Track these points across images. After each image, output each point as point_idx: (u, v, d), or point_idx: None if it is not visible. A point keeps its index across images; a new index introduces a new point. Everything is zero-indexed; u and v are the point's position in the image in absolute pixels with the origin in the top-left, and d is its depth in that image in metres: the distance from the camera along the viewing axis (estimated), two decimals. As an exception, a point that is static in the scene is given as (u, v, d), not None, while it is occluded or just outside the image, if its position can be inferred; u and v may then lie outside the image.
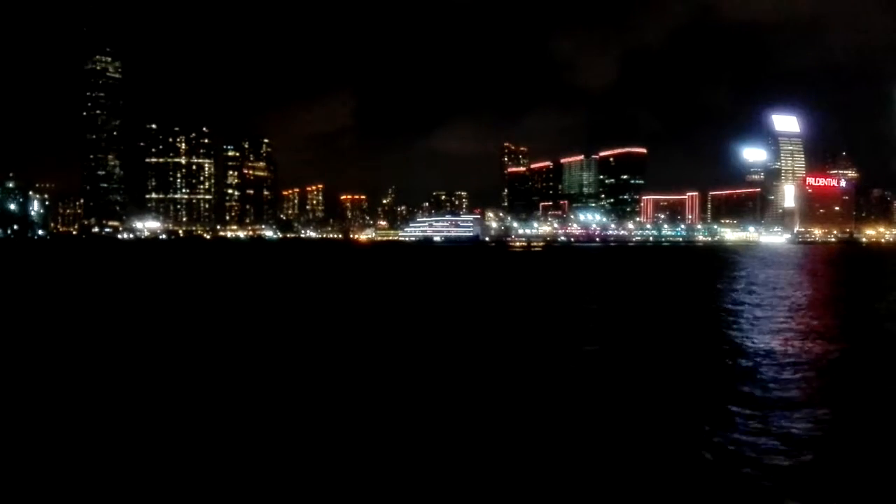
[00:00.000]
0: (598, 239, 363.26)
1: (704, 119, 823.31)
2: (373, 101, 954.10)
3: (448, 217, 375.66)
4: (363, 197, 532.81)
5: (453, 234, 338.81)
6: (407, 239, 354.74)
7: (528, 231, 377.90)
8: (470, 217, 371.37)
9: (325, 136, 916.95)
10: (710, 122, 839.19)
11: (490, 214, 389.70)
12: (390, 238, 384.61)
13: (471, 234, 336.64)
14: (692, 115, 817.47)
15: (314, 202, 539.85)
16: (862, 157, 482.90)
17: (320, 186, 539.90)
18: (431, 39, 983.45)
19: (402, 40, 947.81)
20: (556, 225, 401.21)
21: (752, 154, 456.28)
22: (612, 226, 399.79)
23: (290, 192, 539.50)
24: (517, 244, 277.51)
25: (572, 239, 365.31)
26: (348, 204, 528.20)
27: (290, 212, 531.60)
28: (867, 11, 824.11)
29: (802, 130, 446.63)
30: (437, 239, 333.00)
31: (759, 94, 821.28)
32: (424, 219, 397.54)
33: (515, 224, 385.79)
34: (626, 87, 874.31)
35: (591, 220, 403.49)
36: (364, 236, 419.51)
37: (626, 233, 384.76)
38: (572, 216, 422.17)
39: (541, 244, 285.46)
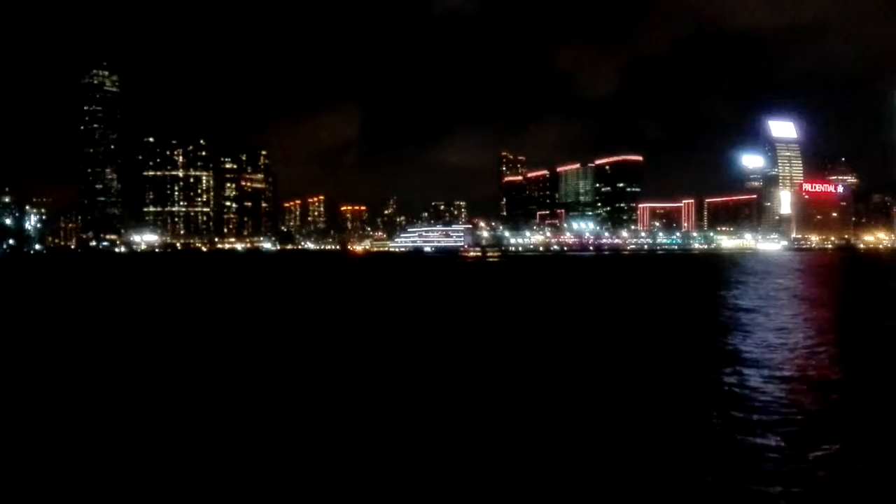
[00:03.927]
0: (591, 248, 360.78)
1: (705, 127, 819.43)
2: (377, 114, 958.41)
3: (439, 227, 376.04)
4: (363, 208, 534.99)
5: (444, 244, 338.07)
6: (397, 249, 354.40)
7: (520, 240, 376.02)
8: (461, 227, 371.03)
9: (330, 148, 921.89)
10: (711, 130, 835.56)
11: (482, 224, 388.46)
12: (383, 249, 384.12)
13: (461, 243, 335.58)
14: (693, 124, 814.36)
15: (315, 213, 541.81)
16: (862, 162, 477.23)
17: (321, 198, 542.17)
18: (434, 51, 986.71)
19: (406, 53, 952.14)
20: (548, 234, 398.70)
21: (751, 161, 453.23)
22: (606, 234, 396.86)
23: (292, 203, 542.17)
24: (470, 254, 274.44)
25: (565, 248, 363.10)
26: (349, 215, 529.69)
27: (291, 223, 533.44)
28: (866, 18, 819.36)
29: (800, 136, 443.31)
30: (427, 249, 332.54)
31: (760, 102, 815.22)
32: (415, 229, 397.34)
33: (507, 233, 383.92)
34: (628, 97, 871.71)
35: (584, 229, 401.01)
36: (360, 247, 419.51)
37: (620, 241, 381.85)
38: (566, 225, 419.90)
39: (497, 254, 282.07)
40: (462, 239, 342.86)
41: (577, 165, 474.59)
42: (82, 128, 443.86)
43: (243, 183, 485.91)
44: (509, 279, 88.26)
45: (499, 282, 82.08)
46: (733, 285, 67.27)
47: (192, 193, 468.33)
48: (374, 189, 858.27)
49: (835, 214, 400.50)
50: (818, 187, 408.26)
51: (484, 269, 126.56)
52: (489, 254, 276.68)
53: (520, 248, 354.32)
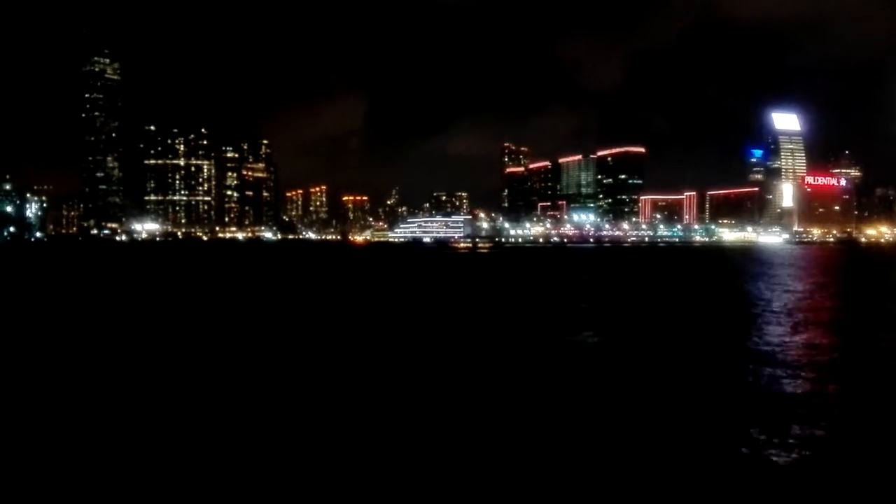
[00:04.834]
0: (591, 240, 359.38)
1: (709, 119, 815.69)
2: (381, 104, 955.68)
3: (439, 218, 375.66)
4: (365, 198, 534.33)
5: (443, 234, 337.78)
6: (397, 240, 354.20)
7: (520, 232, 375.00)
8: (461, 218, 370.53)
9: (333, 137, 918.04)
10: (714, 123, 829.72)
11: (482, 215, 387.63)
12: (383, 239, 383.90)
13: (461, 234, 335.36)
14: (697, 116, 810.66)
15: (317, 203, 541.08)
16: (866, 155, 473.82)
17: (324, 187, 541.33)
18: (439, 42, 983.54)
19: (411, 43, 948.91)
20: (549, 225, 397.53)
21: (754, 154, 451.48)
22: (607, 226, 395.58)
23: (294, 193, 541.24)
24: (461, 245, 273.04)
25: (565, 240, 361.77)
26: (350, 205, 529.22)
27: (293, 213, 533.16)
28: (870, 11, 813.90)
29: (803, 129, 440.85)
30: (426, 240, 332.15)
31: (765, 93, 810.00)
32: (415, 220, 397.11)
33: (507, 224, 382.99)
34: (633, 88, 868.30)
35: (585, 221, 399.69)
36: (360, 237, 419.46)
37: (620, 233, 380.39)
38: (567, 216, 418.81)
39: (488, 245, 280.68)
40: (462, 230, 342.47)
41: (580, 157, 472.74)
42: (83, 115, 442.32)
43: (244, 172, 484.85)
44: (484, 271, 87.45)
45: (469, 274, 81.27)
46: (727, 278, 66.69)
47: (193, 182, 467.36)
48: (376, 179, 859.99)
49: (837, 208, 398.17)
50: (820, 180, 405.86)
51: (465, 260, 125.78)
52: (480, 245, 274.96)
53: (519, 240, 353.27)
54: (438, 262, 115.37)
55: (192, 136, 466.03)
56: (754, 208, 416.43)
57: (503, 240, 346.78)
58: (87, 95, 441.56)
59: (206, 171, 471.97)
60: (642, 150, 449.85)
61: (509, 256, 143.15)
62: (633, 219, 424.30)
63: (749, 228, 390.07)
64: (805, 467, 12.10)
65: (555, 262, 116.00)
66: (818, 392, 17.81)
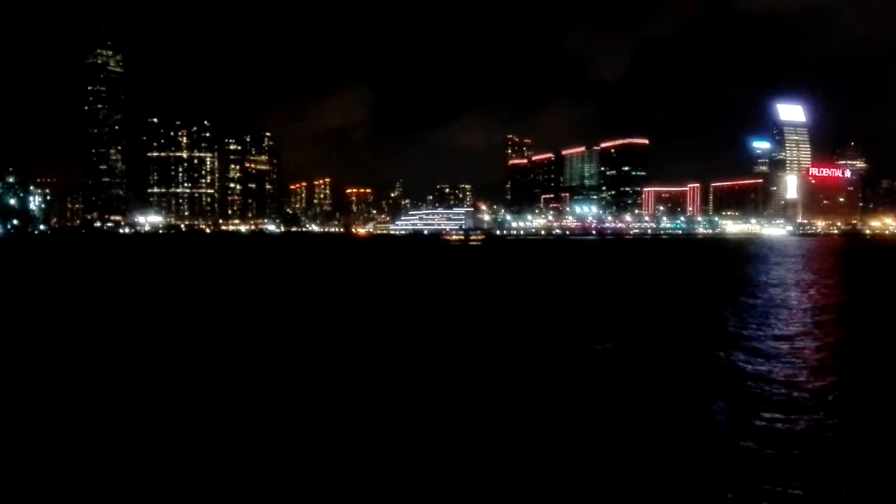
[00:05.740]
0: (594, 232, 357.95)
1: (715, 111, 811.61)
2: (387, 96, 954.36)
3: (440, 210, 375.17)
4: (369, 191, 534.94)
5: (443, 226, 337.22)
6: (398, 232, 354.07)
7: (522, 224, 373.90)
8: (462, 210, 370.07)
9: (337, 130, 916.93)
10: (720, 114, 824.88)
11: (483, 207, 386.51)
12: (385, 232, 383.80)
13: (462, 227, 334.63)
14: (703, 107, 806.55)
15: (321, 196, 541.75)
16: (872, 147, 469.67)
17: (328, 180, 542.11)
18: (445, 33, 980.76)
19: (415, 35, 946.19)
20: (551, 217, 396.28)
21: (761, 145, 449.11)
22: (610, 218, 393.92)
23: (298, 185, 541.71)
24: (452, 237, 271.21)
25: (567, 232, 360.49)
26: (354, 198, 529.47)
27: (297, 205, 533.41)
28: (878, 2, 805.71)
29: (809, 120, 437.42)
30: (426, 232, 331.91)
31: (771, 85, 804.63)
32: (417, 212, 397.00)
33: (509, 217, 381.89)
34: (639, 80, 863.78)
35: (587, 213, 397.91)
36: (363, 230, 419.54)
37: (623, 225, 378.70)
38: (569, 209, 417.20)
39: (480, 237, 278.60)
40: (463, 222, 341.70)
41: (583, 149, 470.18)
42: (86, 108, 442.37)
43: (247, 164, 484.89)
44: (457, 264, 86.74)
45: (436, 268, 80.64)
46: (724, 272, 66.07)
47: (195, 175, 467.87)
48: (380, 172, 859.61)
49: (841, 199, 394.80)
50: (825, 172, 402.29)
51: (448, 254, 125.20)
52: (472, 237, 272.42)
53: (521, 232, 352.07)
54: (418, 255, 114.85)
55: (195, 128, 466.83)
56: (758, 200, 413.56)
57: (504, 232, 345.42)
58: (90, 88, 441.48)
59: (209, 163, 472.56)
60: (646, 141, 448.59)
61: (500, 248, 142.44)
62: (637, 211, 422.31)
63: (753, 220, 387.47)
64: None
65: (549, 254, 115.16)
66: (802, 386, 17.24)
